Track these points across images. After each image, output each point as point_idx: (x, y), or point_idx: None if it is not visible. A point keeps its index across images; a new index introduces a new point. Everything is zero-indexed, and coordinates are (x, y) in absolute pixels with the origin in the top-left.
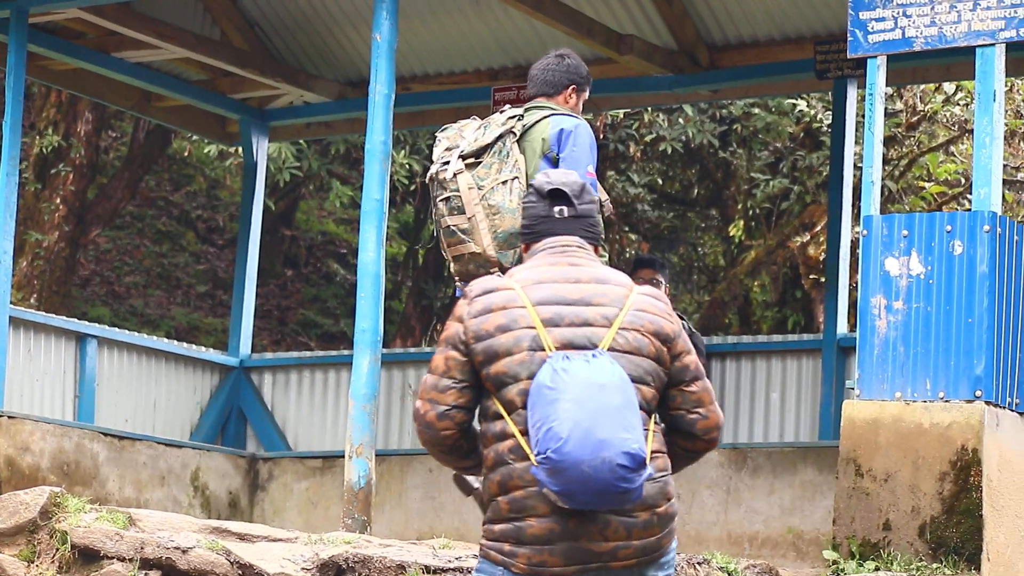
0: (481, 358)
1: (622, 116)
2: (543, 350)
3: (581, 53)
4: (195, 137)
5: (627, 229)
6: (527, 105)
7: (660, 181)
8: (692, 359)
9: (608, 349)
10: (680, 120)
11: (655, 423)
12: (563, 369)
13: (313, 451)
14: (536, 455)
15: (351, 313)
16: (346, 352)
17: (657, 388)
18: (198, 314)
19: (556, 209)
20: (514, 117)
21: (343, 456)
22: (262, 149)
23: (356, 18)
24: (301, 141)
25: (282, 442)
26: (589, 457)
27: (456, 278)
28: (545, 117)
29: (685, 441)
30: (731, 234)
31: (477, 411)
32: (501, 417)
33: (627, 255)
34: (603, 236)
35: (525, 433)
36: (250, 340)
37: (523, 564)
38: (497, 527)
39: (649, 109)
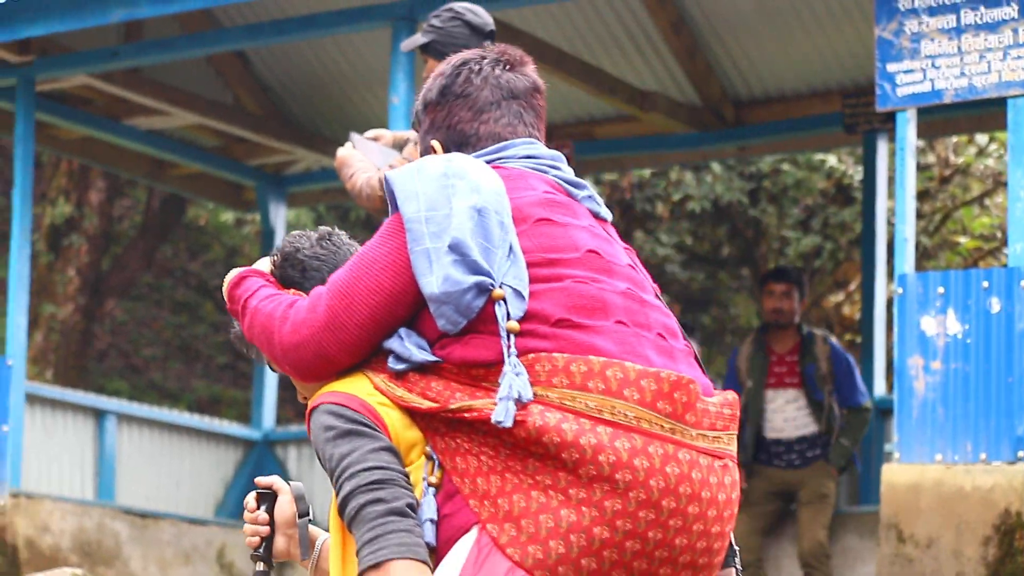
0: None
1: (648, 175)
2: None
3: (604, 111)
4: (211, 204)
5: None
6: None
7: (689, 241)
8: None
9: None
10: (708, 178)
11: None
12: None
13: None
14: None
15: None
16: None
17: None
18: (219, 386)
19: None
20: None
21: None
22: (280, 215)
23: (372, 80)
24: (319, 206)
25: None
26: None
27: None
28: None
29: None
30: None
31: None
32: None
33: None
34: None
35: None
36: (274, 413)
37: None
38: None
39: (676, 167)
